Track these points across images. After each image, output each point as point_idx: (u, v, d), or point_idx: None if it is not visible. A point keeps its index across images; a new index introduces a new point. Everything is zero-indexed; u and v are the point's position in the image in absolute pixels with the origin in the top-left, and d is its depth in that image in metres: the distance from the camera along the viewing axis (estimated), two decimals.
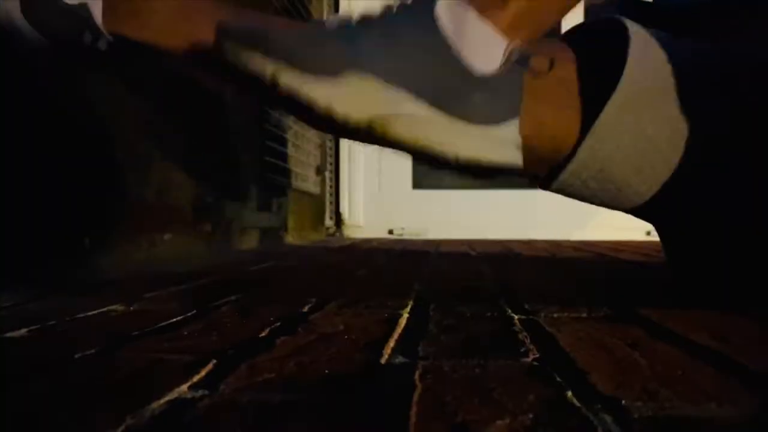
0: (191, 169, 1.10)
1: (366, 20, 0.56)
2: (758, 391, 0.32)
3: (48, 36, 0.72)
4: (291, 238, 1.79)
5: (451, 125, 0.55)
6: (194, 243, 1.10)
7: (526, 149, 0.59)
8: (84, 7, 0.72)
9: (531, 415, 0.28)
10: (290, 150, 1.78)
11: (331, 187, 2.47)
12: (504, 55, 0.55)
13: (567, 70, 0.62)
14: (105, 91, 0.85)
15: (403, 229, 2.63)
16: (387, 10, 0.56)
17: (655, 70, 0.61)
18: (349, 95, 0.54)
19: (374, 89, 0.54)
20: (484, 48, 0.55)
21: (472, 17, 0.54)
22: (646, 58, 0.60)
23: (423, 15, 0.55)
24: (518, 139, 0.58)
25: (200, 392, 0.32)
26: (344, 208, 2.62)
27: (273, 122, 1.60)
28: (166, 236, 1.01)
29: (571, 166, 0.60)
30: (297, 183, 1.85)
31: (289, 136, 1.76)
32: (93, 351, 0.41)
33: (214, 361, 0.38)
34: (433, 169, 0.57)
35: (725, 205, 0.64)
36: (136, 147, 0.92)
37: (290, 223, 1.76)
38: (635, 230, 1.98)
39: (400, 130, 0.55)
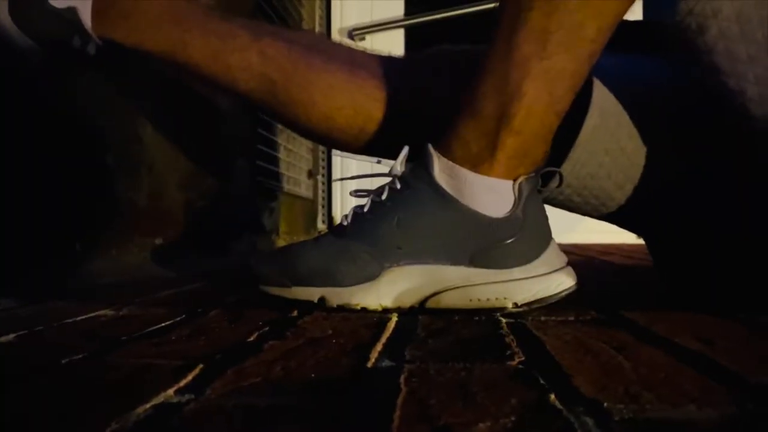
0: (183, 174, 1.10)
1: (377, 208, 0.59)
2: (739, 394, 0.32)
3: (37, 40, 0.72)
4: (283, 242, 1.79)
5: (496, 277, 0.58)
6: (185, 248, 1.09)
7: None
8: (73, 11, 0.72)
9: (513, 418, 0.28)
10: (282, 154, 1.78)
11: (323, 191, 2.47)
12: (515, 191, 0.57)
13: None
14: (95, 95, 0.85)
15: None
16: (393, 193, 0.59)
17: (618, 92, 0.62)
18: (393, 292, 0.58)
19: (411, 276, 0.58)
20: (490, 196, 0.57)
21: (469, 176, 0.57)
22: (608, 83, 0.62)
23: (428, 189, 0.58)
24: (563, 258, 0.61)
25: (187, 397, 0.32)
26: (336, 211, 2.62)
27: (265, 126, 1.60)
28: (157, 241, 1.01)
29: (553, 184, 0.61)
30: (289, 187, 1.85)
31: (281, 140, 1.76)
32: (80, 356, 0.41)
33: (202, 365, 0.38)
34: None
35: (707, 212, 0.65)
36: (128, 151, 0.92)
37: (282, 227, 1.76)
38: (625, 233, 1.99)
39: (453, 300, 0.58)
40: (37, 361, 0.40)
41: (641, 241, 0.79)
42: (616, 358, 0.40)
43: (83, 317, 0.55)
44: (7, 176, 0.68)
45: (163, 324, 0.52)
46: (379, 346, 0.44)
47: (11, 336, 0.47)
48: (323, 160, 2.48)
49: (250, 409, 0.30)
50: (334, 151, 2.57)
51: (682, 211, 0.66)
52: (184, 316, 0.56)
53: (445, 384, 0.34)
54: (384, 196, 0.59)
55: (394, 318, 0.55)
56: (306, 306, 0.59)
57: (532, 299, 0.57)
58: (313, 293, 0.58)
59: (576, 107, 0.58)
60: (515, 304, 0.57)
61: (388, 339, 0.47)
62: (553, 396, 0.32)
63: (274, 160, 1.69)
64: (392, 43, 2.33)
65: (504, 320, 0.55)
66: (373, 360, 0.40)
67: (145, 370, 0.37)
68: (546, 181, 0.61)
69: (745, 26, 0.52)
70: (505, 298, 0.57)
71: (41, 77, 0.76)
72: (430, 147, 0.58)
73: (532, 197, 0.58)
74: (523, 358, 0.40)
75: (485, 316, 0.56)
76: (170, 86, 1.03)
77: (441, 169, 0.57)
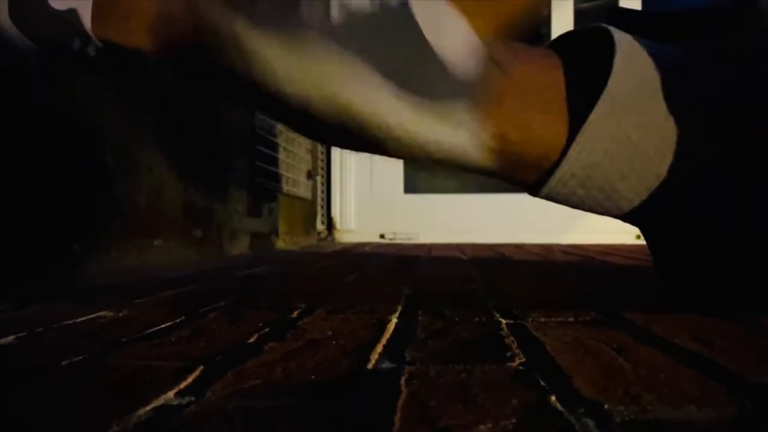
0: (182, 175, 1.10)
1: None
2: (738, 394, 0.32)
3: (37, 41, 0.72)
4: (282, 243, 1.79)
5: (409, 102, 0.54)
6: (184, 248, 1.09)
7: (515, 155, 0.59)
8: (73, 13, 0.72)
9: (514, 420, 0.28)
10: (281, 154, 1.78)
11: (322, 191, 2.47)
12: (475, 52, 0.55)
13: (553, 75, 0.62)
14: (94, 96, 0.85)
15: (394, 233, 2.64)
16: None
17: (640, 76, 0.61)
18: (311, 60, 0.53)
19: (337, 58, 0.53)
20: (454, 36, 0.55)
21: (443, 5, 0.54)
22: (631, 64, 0.61)
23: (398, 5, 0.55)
24: (472, 125, 0.57)
25: (187, 399, 0.32)
26: (336, 212, 2.62)
27: (264, 127, 1.60)
28: (157, 242, 1.01)
29: (558, 174, 0.61)
30: (288, 188, 1.85)
31: (280, 140, 1.76)
32: (80, 358, 0.41)
33: (202, 367, 0.38)
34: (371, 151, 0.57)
35: (711, 211, 0.64)
36: (127, 152, 0.92)
37: (281, 228, 1.76)
38: (625, 234, 2.00)
39: (358, 101, 0.54)
40: (36, 362, 0.40)
41: (641, 242, 0.79)
42: (616, 359, 0.40)
43: (83, 318, 0.55)
44: (7, 177, 0.68)
45: (162, 325, 0.52)
46: (379, 348, 0.44)
47: (11, 337, 0.47)
48: (322, 160, 2.48)
49: (251, 410, 0.30)
50: (333, 152, 2.57)
51: (683, 208, 0.66)
52: (183, 317, 0.56)
53: (445, 385, 0.34)
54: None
55: (394, 319, 0.56)
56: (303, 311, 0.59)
57: (416, 132, 0.54)
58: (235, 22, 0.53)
59: (585, 91, 0.58)
60: (404, 128, 0.54)
61: (388, 340, 0.47)
62: (553, 397, 0.32)
63: (273, 161, 1.69)
64: None
65: (504, 321, 0.55)
66: (373, 361, 0.40)
67: (145, 372, 0.37)
68: (547, 177, 0.61)
69: None
70: (396, 116, 0.53)
71: (41, 78, 0.76)
72: None
73: (484, 62, 0.55)
74: (523, 360, 0.40)
75: (485, 318, 0.56)
76: (169, 88, 1.03)
77: None
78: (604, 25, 0.62)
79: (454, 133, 0.56)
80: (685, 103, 0.63)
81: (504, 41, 0.57)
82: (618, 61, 0.60)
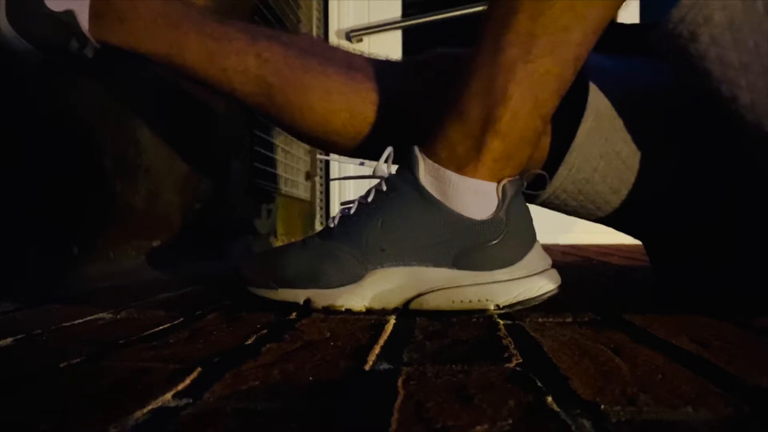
0: (179, 176, 1.10)
1: (362, 210, 0.60)
2: (735, 395, 0.33)
3: (34, 43, 0.72)
4: (281, 244, 1.79)
5: (479, 279, 0.58)
6: (183, 250, 1.09)
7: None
8: (70, 14, 0.72)
9: (510, 421, 0.29)
10: (280, 156, 1.78)
11: (321, 192, 2.47)
12: (498, 193, 0.58)
13: None
14: (92, 97, 0.85)
15: None
16: (378, 195, 0.60)
17: (615, 96, 0.62)
18: (377, 293, 0.58)
19: (394, 277, 0.58)
20: (474, 198, 0.57)
21: (453, 177, 0.57)
22: (603, 84, 0.62)
23: (412, 191, 0.58)
24: (548, 259, 0.61)
25: (184, 401, 0.32)
26: (334, 213, 2.61)
27: (262, 128, 1.60)
28: (155, 243, 1.01)
29: (550, 189, 0.62)
30: (287, 189, 1.85)
31: (279, 141, 1.76)
32: (78, 360, 0.41)
33: (200, 369, 0.38)
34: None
35: (704, 215, 0.65)
36: (124, 154, 0.92)
37: (280, 229, 1.76)
38: (624, 234, 1.99)
39: (436, 302, 0.58)
40: (34, 364, 0.40)
41: (639, 242, 0.79)
42: (613, 359, 0.40)
43: (81, 321, 0.55)
44: (4, 179, 0.68)
45: (160, 327, 0.52)
46: (376, 349, 0.44)
47: (9, 340, 0.47)
48: (321, 161, 2.47)
49: (248, 413, 0.30)
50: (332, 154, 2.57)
51: (678, 214, 0.66)
52: (181, 319, 0.56)
53: (442, 386, 0.34)
54: (370, 198, 0.60)
55: (392, 321, 0.56)
56: (292, 308, 0.59)
57: (514, 301, 0.58)
58: (298, 295, 0.59)
59: (571, 111, 0.59)
60: (497, 306, 0.57)
61: (386, 342, 0.47)
62: (550, 398, 0.32)
63: (272, 162, 1.69)
64: (390, 45, 2.33)
65: (501, 322, 0.55)
66: (370, 363, 0.40)
67: (143, 374, 0.37)
68: (539, 185, 0.62)
69: (737, 34, 0.52)
70: (487, 300, 0.57)
71: (38, 80, 0.76)
72: (416, 149, 0.58)
73: (516, 199, 0.58)
74: (520, 360, 0.41)
75: (483, 318, 0.56)
76: (167, 89, 1.03)
77: (426, 171, 0.58)
78: None
79: (542, 281, 0.60)
80: (670, 118, 0.64)
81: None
82: (592, 84, 0.61)
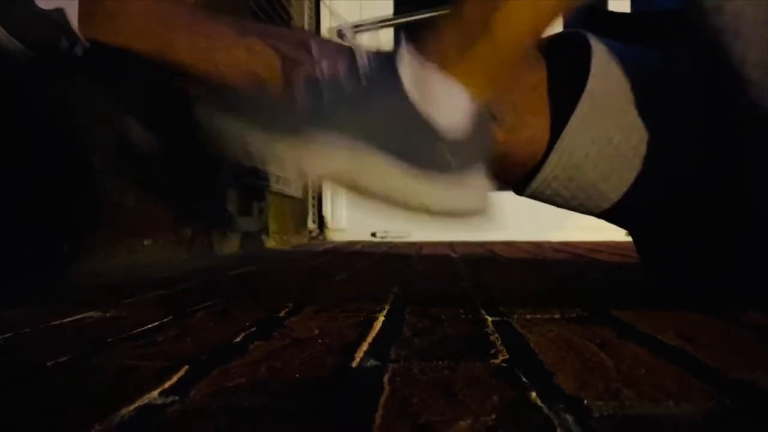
0: (171, 174, 1.10)
1: (336, 83, 0.57)
2: (717, 389, 0.33)
3: (24, 42, 0.72)
4: (273, 242, 1.79)
5: (419, 177, 0.56)
6: (174, 248, 1.09)
7: (501, 155, 0.60)
8: (60, 12, 0.72)
9: (494, 416, 0.29)
10: None
11: (313, 190, 2.47)
12: (469, 106, 0.56)
13: (539, 76, 0.63)
14: (82, 96, 0.85)
15: (386, 231, 2.64)
16: (355, 74, 0.57)
17: (617, 80, 0.62)
18: (316, 153, 0.55)
19: (339, 146, 0.55)
20: (447, 102, 0.56)
21: (433, 74, 0.55)
22: (608, 69, 0.62)
23: (387, 77, 0.56)
24: (487, 185, 0.59)
25: (170, 398, 0.32)
26: (327, 211, 2.62)
27: None
28: (146, 242, 1.00)
29: (541, 176, 0.62)
30: (279, 186, 1.85)
31: None
32: (66, 358, 0.41)
33: (187, 366, 0.38)
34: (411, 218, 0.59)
35: (692, 209, 0.65)
36: (115, 153, 0.92)
37: (272, 227, 1.76)
38: (615, 231, 2.00)
39: (368, 183, 0.56)
40: (22, 363, 0.40)
41: (630, 239, 0.79)
42: (598, 355, 0.41)
43: (70, 319, 0.55)
44: None
45: (150, 325, 0.52)
46: (364, 346, 0.44)
47: None
48: None
49: (234, 410, 0.31)
50: None
51: (667, 209, 0.67)
52: (171, 317, 0.56)
53: (428, 383, 0.35)
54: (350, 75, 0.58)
55: (381, 318, 0.56)
56: (292, 310, 0.59)
57: (443, 209, 0.56)
58: (235, 126, 0.56)
59: (565, 94, 0.59)
60: (426, 209, 0.55)
61: (374, 339, 0.47)
62: (534, 393, 0.32)
63: None
64: (381, 43, 2.33)
65: (490, 319, 0.55)
66: (358, 360, 0.40)
67: (130, 372, 0.37)
68: (530, 177, 0.62)
69: None
70: (418, 198, 0.55)
71: (28, 79, 0.75)
72: (404, 41, 0.57)
73: (482, 121, 0.57)
74: (506, 356, 0.41)
75: (472, 315, 0.57)
76: (157, 87, 1.03)
77: (409, 62, 0.57)
78: (580, 30, 0.63)
79: (476, 199, 0.58)
80: (665, 107, 0.64)
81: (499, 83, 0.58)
82: (594, 67, 0.61)
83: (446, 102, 0.56)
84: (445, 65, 0.55)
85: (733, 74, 0.55)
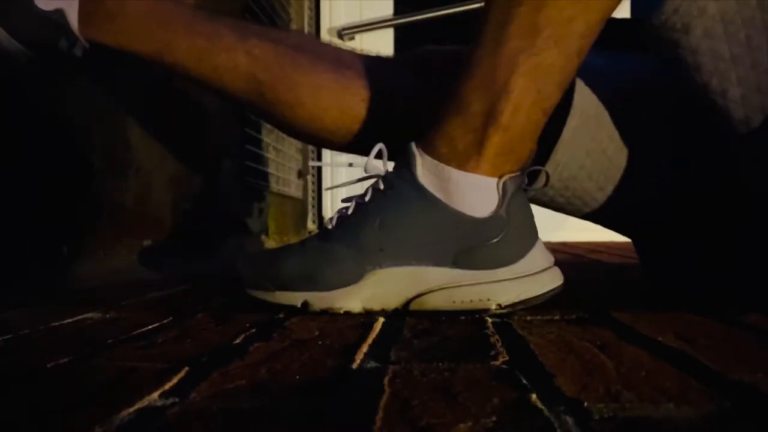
0: (170, 175, 1.10)
1: (360, 210, 0.59)
2: (717, 391, 0.33)
3: (24, 42, 0.72)
4: (273, 242, 1.79)
5: (480, 278, 0.57)
6: (173, 249, 1.09)
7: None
8: (60, 13, 0.72)
9: (494, 418, 0.29)
10: (271, 154, 1.77)
11: (313, 191, 2.47)
12: (499, 190, 0.57)
13: None
14: (82, 96, 0.85)
15: None
16: (376, 194, 0.59)
17: (604, 94, 0.63)
18: (376, 294, 0.58)
19: (394, 278, 0.57)
20: (476, 195, 0.57)
21: (453, 173, 0.56)
22: (591, 82, 0.62)
23: (410, 188, 0.57)
24: (547, 261, 0.60)
25: (170, 400, 0.32)
26: (326, 211, 2.61)
27: (254, 126, 1.60)
28: (145, 243, 1.00)
29: (536, 186, 0.62)
30: (278, 187, 1.85)
31: (270, 140, 1.76)
32: (66, 360, 0.41)
33: (187, 368, 0.38)
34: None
35: (691, 210, 0.65)
36: (114, 153, 0.92)
37: (272, 227, 1.76)
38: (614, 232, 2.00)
39: (437, 302, 0.58)
40: (22, 364, 0.40)
41: (630, 240, 0.80)
42: (598, 356, 0.41)
43: (70, 320, 0.55)
44: None
45: (149, 326, 0.52)
46: (364, 348, 0.44)
47: None
48: (313, 160, 2.47)
49: (234, 412, 0.31)
50: (324, 152, 2.57)
51: (667, 212, 0.67)
52: (171, 318, 0.56)
53: (428, 384, 0.35)
54: (367, 198, 0.59)
55: (381, 319, 0.56)
56: (290, 310, 0.59)
57: (516, 300, 0.57)
58: (296, 297, 0.58)
59: (557, 108, 0.59)
60: (499, 306, 0.57)
61: (374, 340, 0.47)
62: (534, 395, 0.32)
63: (263, 160, 1.69)
64: (381, 43, 2.33)
65: (490, 320, 0.55)
66: (358, 361, 0.40)
67: (130, 374, 0.37)
68: (531, 180, 0.62)
69: (729, 26, 0.53)
70: (488, 300, 0.57)
71: (28, 79, 0.75)
72: (413, 146, 0.58)
73: (518, 196, 0.57)
74: (506, 358, 0.41)
75: (471, 317, 0.57)
76: (157, 87, 1.03)
77: (424, 167, 0.57)
78: None
79: (546, 279, 0.60)
80: (657, 116, 0.64)
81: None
82: (578, 81, 0.61)
83: (475, 195, 0.57)
84: (464, 165, 0.56)
85: (712, 102, 0.55)
